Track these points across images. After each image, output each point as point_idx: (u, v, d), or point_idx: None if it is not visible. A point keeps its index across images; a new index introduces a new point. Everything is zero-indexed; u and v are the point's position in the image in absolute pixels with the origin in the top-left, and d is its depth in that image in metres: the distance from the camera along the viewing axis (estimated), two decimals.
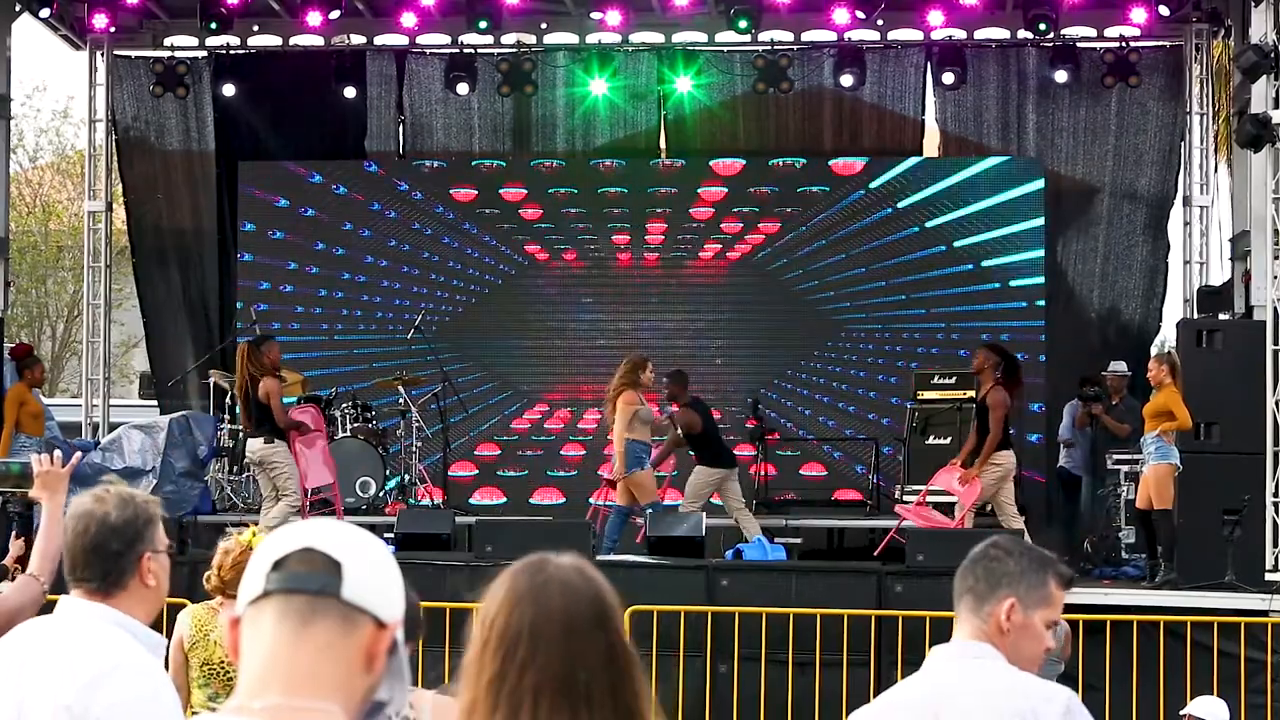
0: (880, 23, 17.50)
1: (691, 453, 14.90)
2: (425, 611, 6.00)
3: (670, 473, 15.55)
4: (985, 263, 17.80)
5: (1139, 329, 18.09)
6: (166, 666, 4.30)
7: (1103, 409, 15.27)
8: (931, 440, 15.63)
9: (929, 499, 14.42)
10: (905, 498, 15.50)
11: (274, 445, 14.03)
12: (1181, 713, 9.57)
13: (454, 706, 4.85)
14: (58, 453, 5.11)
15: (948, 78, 17.73)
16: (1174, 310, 17.76)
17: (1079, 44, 17.62)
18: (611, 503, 14.60)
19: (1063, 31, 17.32)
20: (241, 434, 16.15)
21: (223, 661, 6.36)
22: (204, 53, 18.47)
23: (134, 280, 19.33)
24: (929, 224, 17.91)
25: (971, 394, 15.57)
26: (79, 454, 5.36)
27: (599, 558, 13.69)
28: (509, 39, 18.04)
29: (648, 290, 18.38)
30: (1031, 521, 15.07)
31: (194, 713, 6.41)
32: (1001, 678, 3.60)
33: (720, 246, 18.30)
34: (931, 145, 18.87)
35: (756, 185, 18.25)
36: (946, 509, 14.67)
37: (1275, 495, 13.47)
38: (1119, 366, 15.77)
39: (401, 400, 16.58)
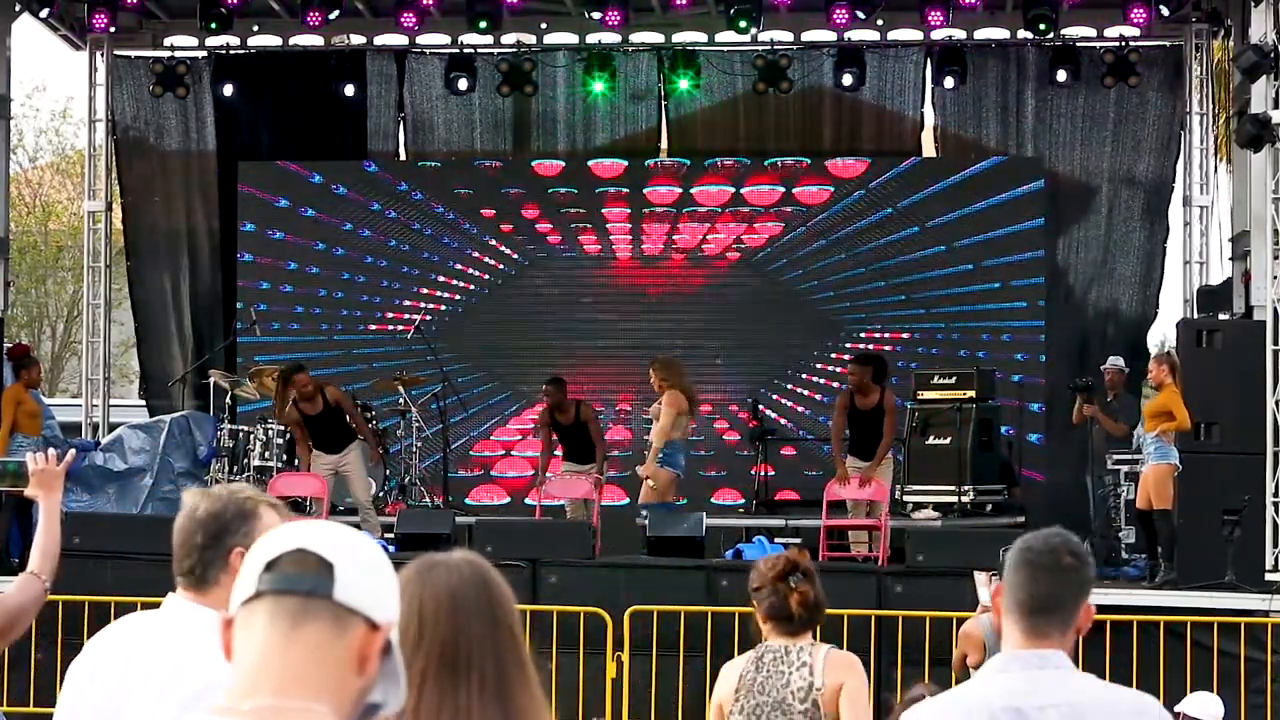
0: (880, 22, 17.50)
1: (560, 452, 15.42)
2: None
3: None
4: (985, 263, 17.79)
5: (1136, 316, 18.02)
6: None
7: (1097, 407, 15.16)
8: (931, 440, 15.60)
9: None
10: (905, 498, 15.50)
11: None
12: (1175, 710, 9.56)
13: (848, 658, 5.15)
14: (53, 451, 5.09)
15: (947, 78, 17.72)
16: (1174, 310, 17.76)
17: (1079, 44, 17.61)
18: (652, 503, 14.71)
19: (1063, 31, 17.32)
20: (251, 434, 16.19)
21: None
22: (204, 53, 18.47)
23: (129, 283, 19.30)
24: (929, 224, 17.90)
25: (972, 394, 15.58)
26: (73, 451, 5.34)
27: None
28: (509, 39, 18.04)
29: (648, 290, 18.37)
30: (1031, 522, 15.06)
31: None
32: (1112, 687, 3.56)
33: (720, 247, 18.29)
34: (931, 145, 18.86)
35: (756, 185, 18.25)
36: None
37: (1275, 495, 13.48)
38: (1117, 361, 15.70)
39: (401, 400, 16.58)
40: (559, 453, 15.44)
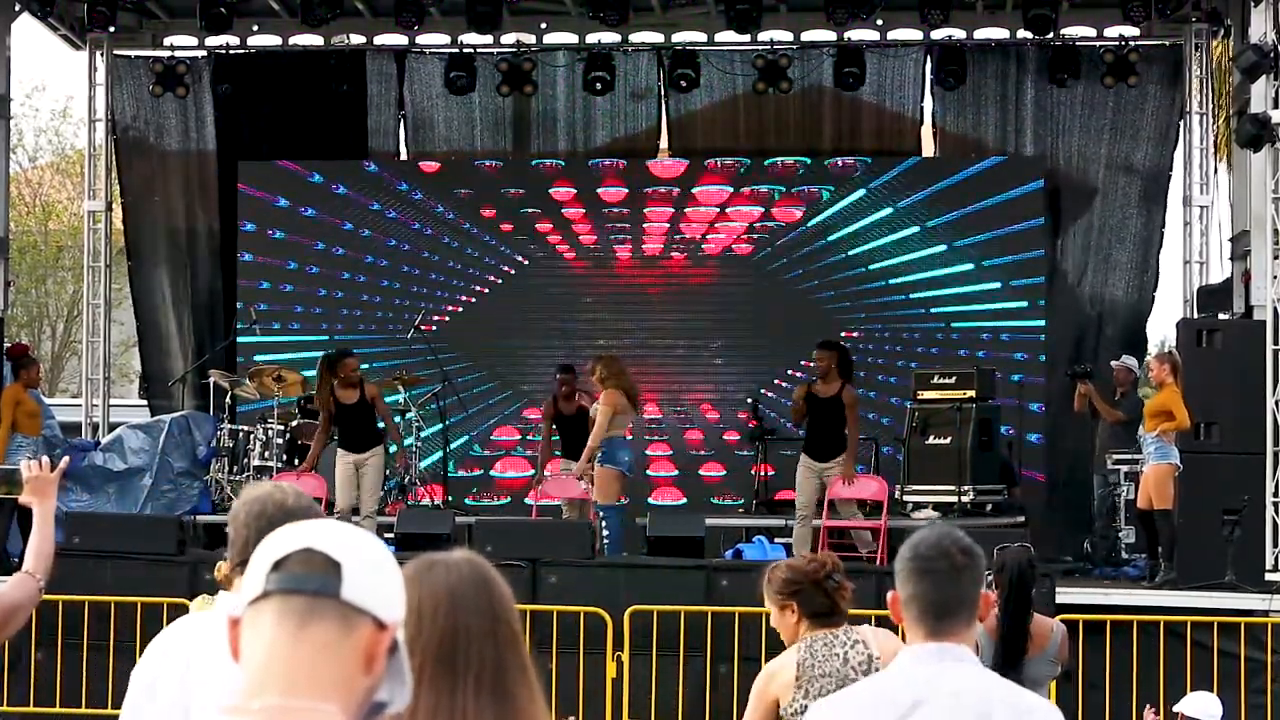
0: (880, 23, 17.51)
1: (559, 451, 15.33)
2: None
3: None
4: (985, 263, 17.79)
5: (1134, 303, 17.94)
6: None
7: (1094, 389, 15.14)
8: (931, 440, 15.61)
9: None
10: (905, 498, 15.51)
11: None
12: (1175, 709, 9.56)
13: (889, 633, 5.48)
14: (45, 459, 5.19)
15: (947, 77, 17.71)
16: (1174, 310, 17.74)
17: (1079, 44, 17.61)
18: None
19: (1063, 31, 17.32)
20: (251, 434, 16.20)
21: None
22: (204, 53, 18.48)
23: (129, 282, 19.30)
24: (929, 224, 17.91)
25: (972, 394, 15.59)
26: (67, 459, 5.47)
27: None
28: (509, 39, 18.04)
29: (648, 290, 18.37)
30: (1032, 522, 15.08)
31: None
32: (1011, 685, 3.57)
33: (720, 247, 18.29)
34: (931, 144, 18.87)
35: (756, 185, 18.25)
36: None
37: (1275, 495, 13.47)
38: (1128, 361, 15.70)
39: (401, 400, 16.58)
40: (558, 452, 15.40)
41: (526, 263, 18.47)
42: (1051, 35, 17.03)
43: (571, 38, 18.28)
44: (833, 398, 14.42)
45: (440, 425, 16.84)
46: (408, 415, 16.54)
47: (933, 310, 17.89)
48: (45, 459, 5.23)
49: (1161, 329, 19.12)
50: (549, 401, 15.56)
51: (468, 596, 2.49)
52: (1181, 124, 17.61)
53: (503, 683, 2.46)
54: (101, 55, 18.35)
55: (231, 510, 3.81)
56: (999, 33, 17.85)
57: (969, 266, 17.84)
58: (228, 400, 17.00)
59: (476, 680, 2.44)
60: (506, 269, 18.50)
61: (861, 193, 18.07)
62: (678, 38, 18.24)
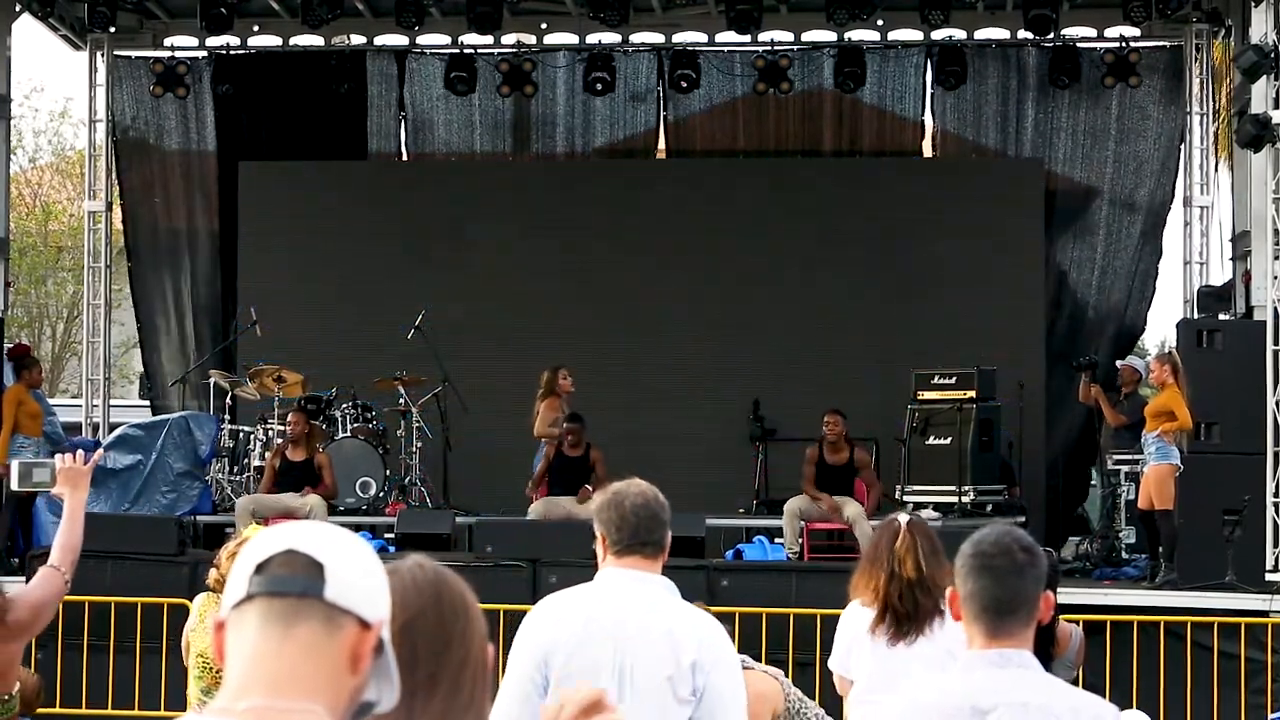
0: (880, 23, 17.51)
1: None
2: None
3: None
4: (985, 263, 17.77)
5: (1125, 328, 17.99)
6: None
7: (1101, 390, 15.15)
8: (931, 440, 15.61)
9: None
10: (905, 498, 15.50)
11: None
12: None
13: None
14: (80, 452, 5.26)
15: (948, 78, 17.70)
16: (1174, 310, 17.75)
17: (1079, 44, 17.61)
18: None
19: (1063, 32, 17.32)
20: (251, 434, 16.24)
21: None
22: (204, 53, 18.49)
23: (129, 283, 19.31)
24: (929, 224, 17.89)
25: (972, 394, 15.60)
26: (100, 450, 5.58)
27: None
28: (509, 39, 18.05)
29: (648, 290, 18.35)
30: (1032, 522, 15.07)
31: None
32: (1069, 689, 3.57)
33: (720, 246, 18.27)
34: (931, 146, 18.86)
35: (756, 185, 18.23)
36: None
37: (1275, 495, 13.47)
38: (1134, 361, 15.73)
39: (401, 400, 16.57)
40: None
41: (527, 263, 18.45)
42: (1052, 36, 17.03)
43: (572, 38, 18.28)
44: (845, 465, 14.47)
45: (441, 425, 16.82)
46: (408, 415, 16.54)
47: (933, 310, 17.86)
48: (81, 452, 5.29)
49: (1161, 329, 19.14)
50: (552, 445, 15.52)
51: (411, 603, 2.45)
52: (1181, 149, 17.60)
53: (454, 682, 2.44)
54: (101, 55, 18.35)
55: (596, 504, 4.41)
56: (1000, 33, 17.85)
57: (969, 267, 17.82)
58: (228, 400, 17.01)
59: (429, 681, 2.42)
60: (506, 270, 18.48)
61: (862, 193, 18.05)
62: (678, 38, 18.24)
